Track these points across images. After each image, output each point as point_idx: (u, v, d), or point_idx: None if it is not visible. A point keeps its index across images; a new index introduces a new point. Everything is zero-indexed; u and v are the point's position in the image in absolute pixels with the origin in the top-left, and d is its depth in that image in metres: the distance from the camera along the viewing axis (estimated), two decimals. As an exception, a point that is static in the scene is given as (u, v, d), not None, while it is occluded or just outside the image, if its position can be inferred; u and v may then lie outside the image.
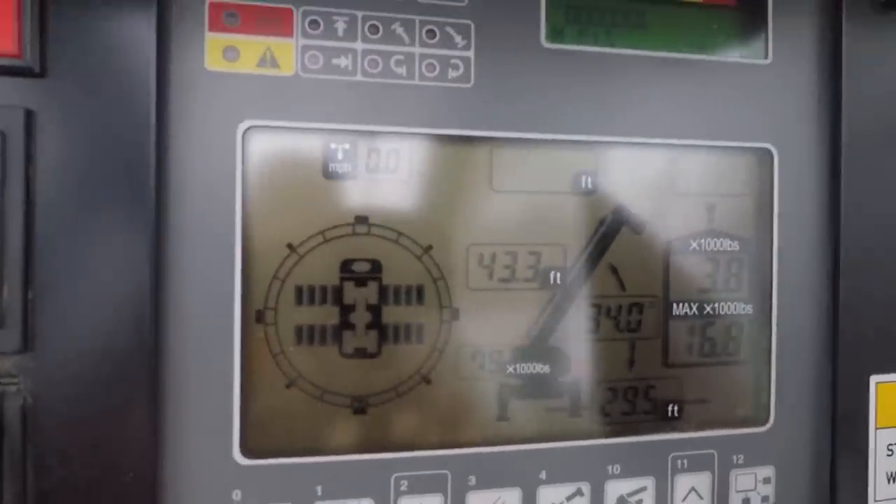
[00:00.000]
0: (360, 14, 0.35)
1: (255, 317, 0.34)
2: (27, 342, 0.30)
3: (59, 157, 0.30)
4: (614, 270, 0.39)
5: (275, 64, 0.34)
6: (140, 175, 0.31)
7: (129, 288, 0.31)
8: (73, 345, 0.31)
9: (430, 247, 0.36)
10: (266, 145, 0.34)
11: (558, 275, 0.38)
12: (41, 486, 0.30)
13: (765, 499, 0.41)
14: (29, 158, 0.30)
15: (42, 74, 0.30)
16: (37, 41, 0.30)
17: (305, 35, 0.34)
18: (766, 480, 0.41)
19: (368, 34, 0.35)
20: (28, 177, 0.30)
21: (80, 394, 0.31)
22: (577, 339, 0.39)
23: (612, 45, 0.39)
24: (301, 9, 0.34)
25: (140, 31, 0.31)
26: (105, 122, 0.31)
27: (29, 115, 0.30)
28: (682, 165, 0.40)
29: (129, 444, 0.31)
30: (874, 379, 0.42)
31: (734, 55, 0.41)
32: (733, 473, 0.41)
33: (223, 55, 0.33)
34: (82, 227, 0.31)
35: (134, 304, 0.31)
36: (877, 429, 0.42)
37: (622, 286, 0.40)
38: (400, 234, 0.36)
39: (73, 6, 0.30)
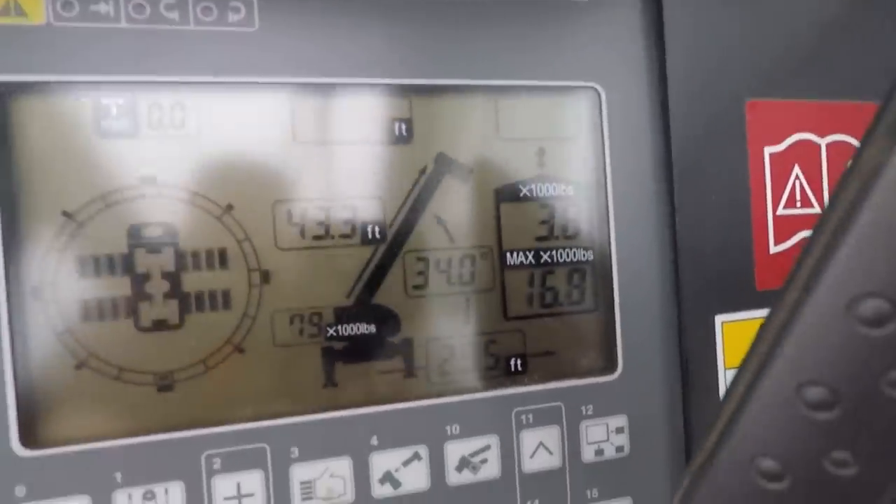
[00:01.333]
0: (117, -41, 0.32)
1: (31, 293, 0.31)
2: None
3: None
4: (440, 222, 0.37)
5: (20, 12, 0.31)
6: None
7: None
8: None
9: (231, 206, 0.34)
10: (22, 105, 0.31)
11: (377, 229, 0.36)
12: None
13: (619, 448, 0.40)
14: None
15: None
16: None
17: (60, -22, 0.31)
18: (619, 430, 0.40)
19: (129, -24, 0.32)
20: None
21: None
22: (404, 296, 0.37)
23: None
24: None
25: None
26: None
27: None
28: (507, 108, 0.39)
29: None
30: (719, 318, 0.41)
31: (554, -7, 0.40)
32: (583, 425, 0.39)
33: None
34: None
35: None
36: (725, 369, 0.41)
37: (451, 238, 0.38)
38: (195, 193, 0.33)
39: None
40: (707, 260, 0.40)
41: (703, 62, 0.40)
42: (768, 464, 0.20)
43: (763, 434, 0.19)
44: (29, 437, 0.31)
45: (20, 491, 0.31)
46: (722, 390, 0.41)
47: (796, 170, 0.43)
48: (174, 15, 0.32)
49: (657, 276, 0.41)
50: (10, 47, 0.30)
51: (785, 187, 0.43)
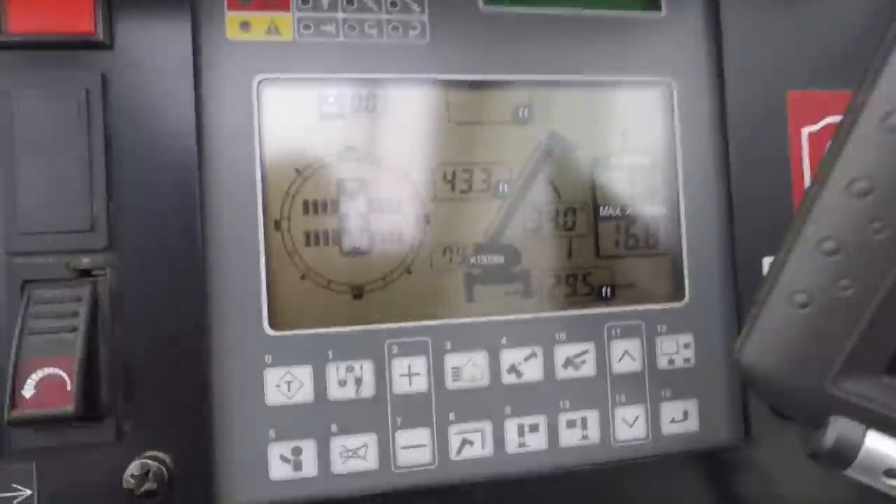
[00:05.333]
0: (340, -12, 0.46)
1: (273, 225, 0.45)
2: (111, 243, 0.41)
3: (124, 106, 0.42)
4: (551, 182, 0.50)
5: (277, 32, 0.45)
6: (181, 120, 0.43)
7: (180, 207, 0.42)
8: (144, 248, 0.42)
9: (405, 169, 0.48)
10: (275, 93, 0.45)
11: (506, 186, 0.49)
12: (125, 347, 0.41)
13: (686, 360, 0.52)
14: (105, 107, 0.41)
15: (110, 47, 0.41)
16: (107, 22, 0.41)
17: (300, 9, 0.46)
18: (687, 345, 0.52)
19: (346, 6, 0.46)
20: (105, 122, 0.41)
21: (150, 283, 0.42)
22: (524, 237, 0.50)
23: (541, 6, 0.50)
24: (294, -13, 0.46)
25: (178, 12, 0.43)
26: (155, 81, 0.42)
27: (104, 77, 0.41)
28: (602, 98, 0.51)
29: (185, 321, 0.42)
30: (766, 260, 0.52)
31: (636, 7, 0.52)
32: (658, 340, 0.51)
33: (239, 27, 0.45)
34: (146, 159, 0.42)
35: (184, 218, 0.42)
36: (772, 300, 0.52)
37: (559, 194, 0.51)
38: (381, 158, 0.47)
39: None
40: (756, 214, 0.52)
41: (752, 62, 0.52)
42: (800, 297, 0.32)
43: (796, 274, 0.31)
44: (274, 321, 0.45)
45: (268, 359, 0.45)
46: (769, 317, 0.52)
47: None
48: (374, 31, 0.47)
49: (717, 227, 0.53)
50: (269, 54, 0.45)
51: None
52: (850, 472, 0.32)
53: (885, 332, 0.31)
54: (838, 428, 0.31)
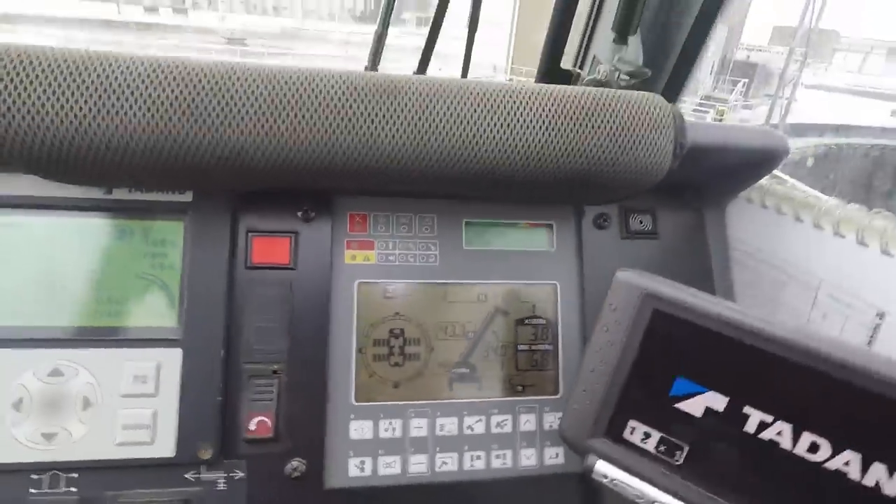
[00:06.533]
0: (398, 240, 0.97)
1: (358, 350, 0.95)
2: (286, 358, 0.91)
3: (302, 294, 0.92)
4: (494, 332, 1.01)
5: (368, 260, 0.96)
6: (321, 301, 0.93)
7: (316, 342, 0.92)
8: (300, 361, 0.91)
9: (423, 323, 0.98)
10: (364, 289, 0.96)
11: (471, 333, 1.00)
12: (288, 408, 0.90)
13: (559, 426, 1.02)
14: (292, 295, 0.91)
15: (294, 269, 0.92)
16: (294, 256, 0.92)
17: (377, 249, 0.96)
18: (560, 418, 1.02)
19: (401, 248, 0.97)
20: (292, 303, 0.91)
21: (302, 377, 0.91)
22: (480, 359, 1.00)
23: (486, 245, 1.02)
24: (376, 240, 0.97)
25: (323, 257, 0.93)
26: (316, 286, 0.92)
27: (291, 285, 0.92)
28: (519, 290, 1.03)
29: (314, 397, 0.91)
30: (603, 376, 1.03)
31: (540, 247, 1.04)
32: (545, 414, 1.01)
33: (350, 258, 0.96)
34: (306, 317, 0.92)
35: (319, 347, 0.92)
36: (605, 397, 1.03)
37: (498, 338, 1.01)
38: (409, 319, 0.98)
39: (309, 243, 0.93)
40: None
41: (597, 272, 1.04)
42: (576, 405, 0.82)
43: (574, 392, 0.82)
44: (357, 397, 0.94)
45: (352, 416, 0.93)
46: (602, 406, 1.03)
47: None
48: (413, 259, 0.98)
49: (577, 357, 1.04)
50: (364, 270, 0.96)
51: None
52: (594, 477, 0.81)
53: (602, 417, 0.80)
54: (588, 460, 0.80)
